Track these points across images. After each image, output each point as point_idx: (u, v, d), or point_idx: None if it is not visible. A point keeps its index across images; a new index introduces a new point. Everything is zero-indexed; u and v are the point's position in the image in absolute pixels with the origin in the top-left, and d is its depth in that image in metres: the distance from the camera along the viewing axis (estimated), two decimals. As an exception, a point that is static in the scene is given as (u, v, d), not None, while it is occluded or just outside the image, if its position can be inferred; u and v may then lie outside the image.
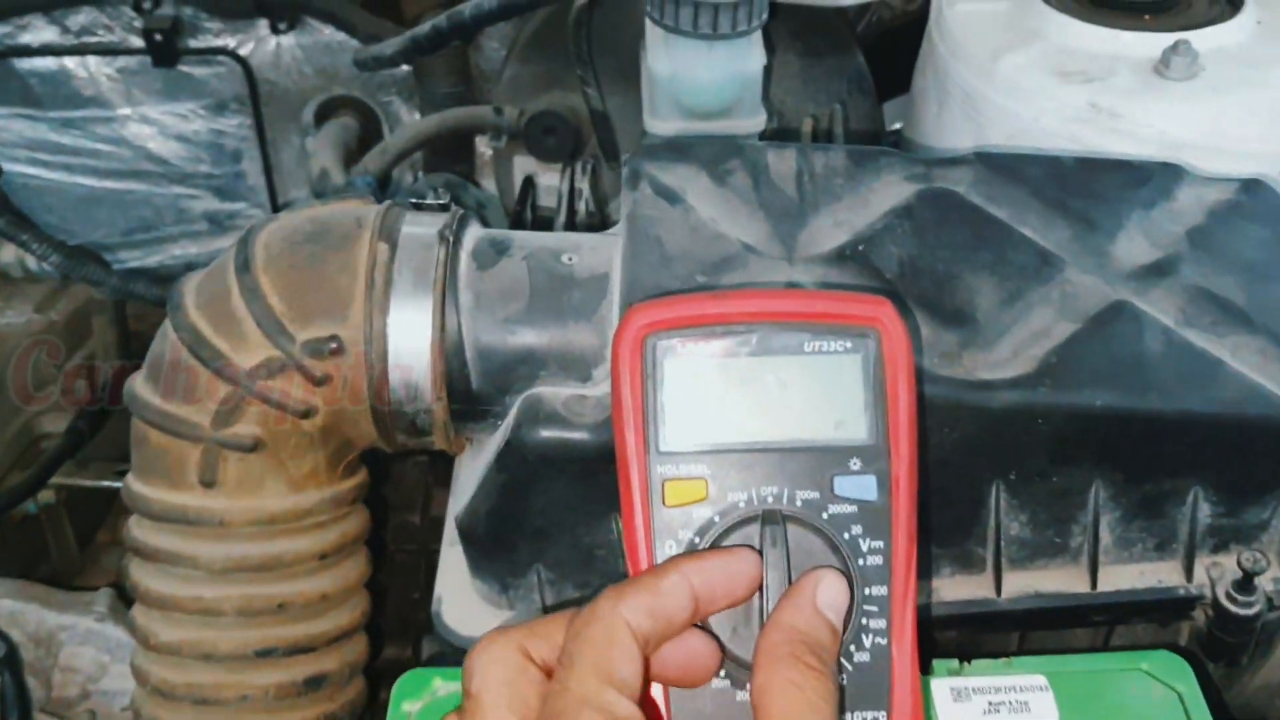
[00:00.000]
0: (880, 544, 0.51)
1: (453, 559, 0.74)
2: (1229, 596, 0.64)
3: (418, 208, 0.69)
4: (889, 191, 0.69)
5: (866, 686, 0.50)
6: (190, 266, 1.47)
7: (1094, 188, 0.70)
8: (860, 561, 0.51)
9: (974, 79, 0.94)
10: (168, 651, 0.66)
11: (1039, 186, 0.69)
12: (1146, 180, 0.71)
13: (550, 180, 1.20)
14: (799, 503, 0.51)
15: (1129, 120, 0.86)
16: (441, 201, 0.69)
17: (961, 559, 0.66)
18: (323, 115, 1.39)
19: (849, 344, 0.52)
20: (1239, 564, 0.63)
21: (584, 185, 1.08)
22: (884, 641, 0.51)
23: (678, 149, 0.70)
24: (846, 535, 0.51)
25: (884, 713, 0.50)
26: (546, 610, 0.69)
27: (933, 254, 0.65)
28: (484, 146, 1.41)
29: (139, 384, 0.67)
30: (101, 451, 0.97)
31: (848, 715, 0.50)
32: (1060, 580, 0.67)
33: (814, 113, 1.10)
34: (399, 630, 0.92)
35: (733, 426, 0.52)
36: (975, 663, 0.60)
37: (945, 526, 0.65)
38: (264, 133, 1.41)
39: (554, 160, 1.27)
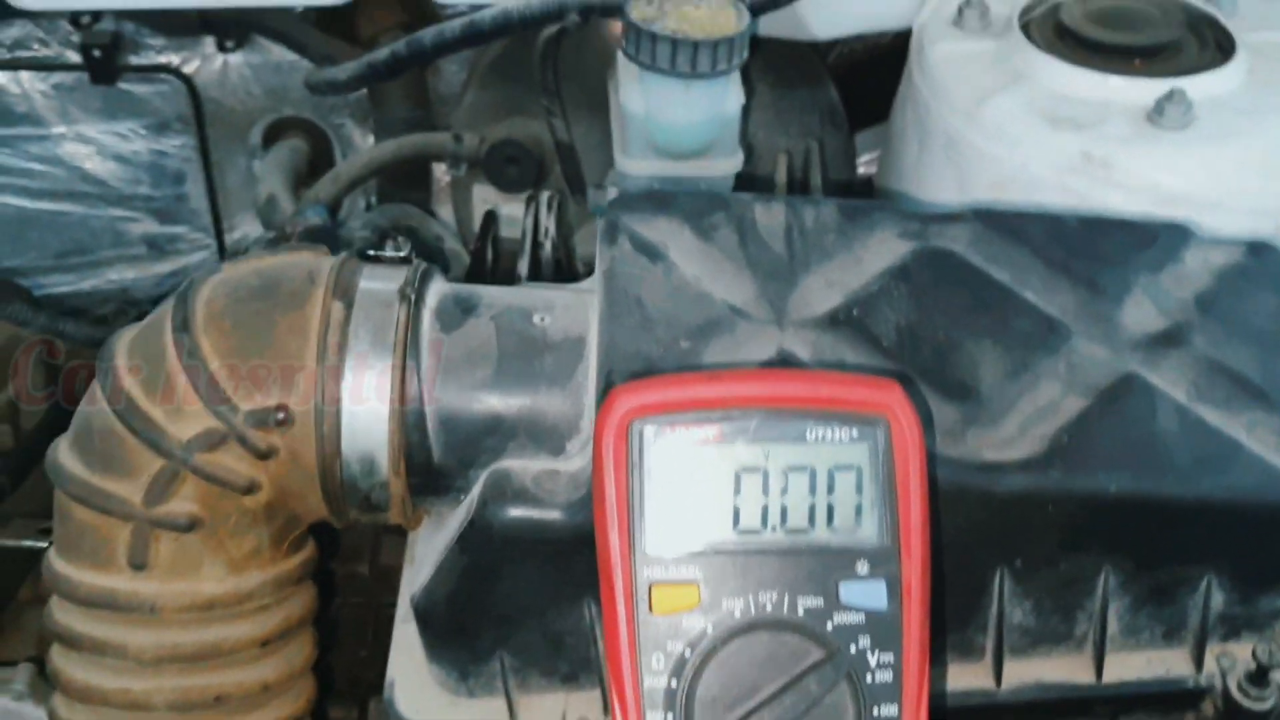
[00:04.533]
0: (890, 657, 0.46)
1: (407, 637, 0.68)
2: (1240, 689, 0.61)
3: (375, 260, 0.63)
4: (883, 249, 0.64)
5: (876, 819, 0.46)
6: (125, 292, 1.41)
7: (1098, 249, 0.66)
8: (868, 678, 0.46)
9: (957, 122, 0.90)
10: (92, 749, 0.60)
11: (1041, 247, 0.65)
12: (1152, 242, 0.67)
13: (512, 210, 1.15)
14: (801, 611, 0.47)
15: (1122, 171, 0.82)
16: (401, 254, 0.64)
17: (960, 647, 0.62)
18: (271, 137, 1.33)
19: (856, 432, 0.47)
20: (1254, 656, 0.59)
21: (549, 223, 1.03)
22: (894, 765, 0.46)
23: (658, 200, 0.65)
24: (853, 649, 0.46)
25: (895, 841, 0.45)
26: (509, 701, 0.63)
27: (931, 320, 0.61)
28: (442, 173, 1.36)
29: (63, 452, 0.60)
30: (22, 507, 0.90)
31: None
32: (1063, 670, 0.62)
33: (787, 147, 1.06)
34: (345, 689, 0.86)
35: (727, 525, 0.47)
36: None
37: (944, 614, 0.60)
38: (208, 154, 1.35)
39: (516, 191, 1.22)
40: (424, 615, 0.62)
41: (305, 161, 1.28)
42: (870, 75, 1.20)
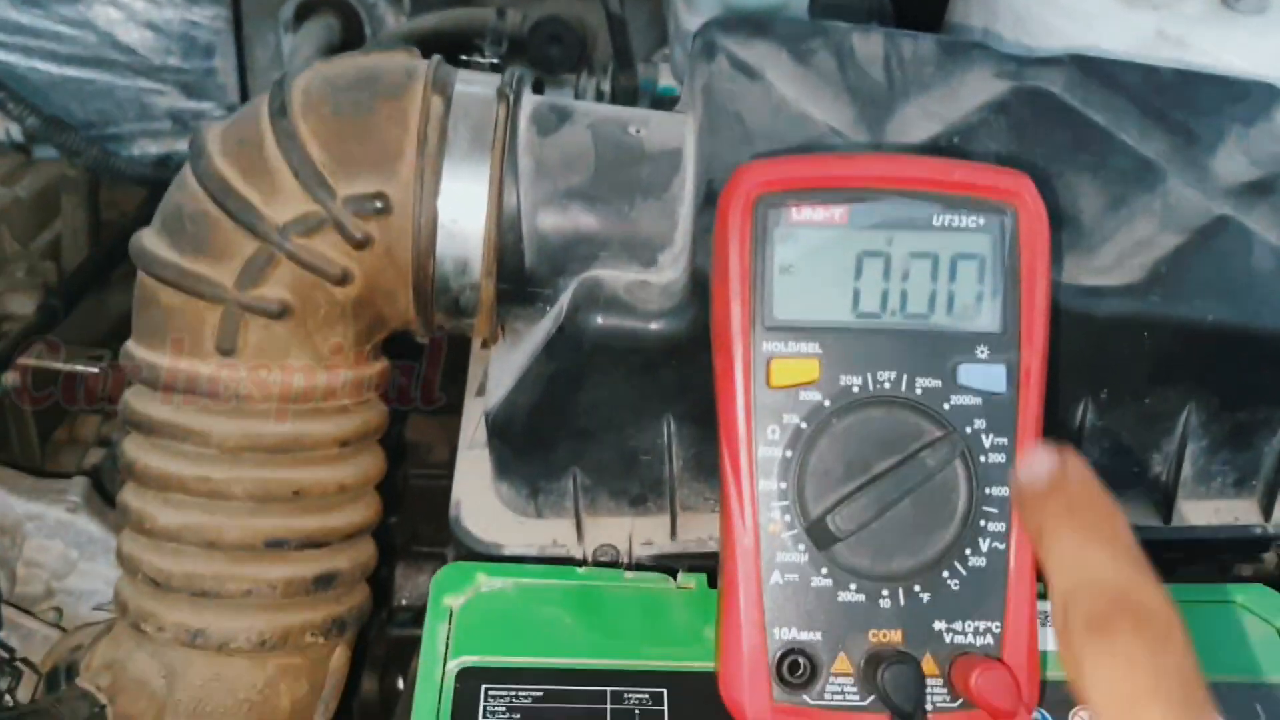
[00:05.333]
0: (1005, 440, 0.47)
1: (471, 462, 0.68)
2: (1310, 537, 0.61)
3: (467, 64, 0.62)
4: (980, 86, 0.64)
5: (981, 593, 0.46)
6: (148, 167, 1.39)
7: (1192, 100, 0.66)
8: (982, 459, 0.46)
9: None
10: (166, 537, 0.59)
11: (1137, 94, 0.65)
12: (1244, 96, 0.67)
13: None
14: (918, 390, 0.47)
15: (1197, 50, 0.82)
16: (493, 60, 0.63)
17: (1034, 483, 0.62)
18: (303, 14, 1.30)
19: (983, 220, 0.47)
20: (1329, 500, 0.60)
21: (606, 86, 1.01)
22: (1002, 547, 0.46)
23: (754, 24, 0.64)
24: (969, 429, 0.46)
25: (998, 621, 0.46)
26: (578, 520, 0.63)
27: (1031, 152, 0.60)
28: (480, 56, 1.34)
29: (148, 237, 0.59)
30: (69, 336, 0.89)
31: (958, 624, 0.46)
32: (1132, 513, 0.63)
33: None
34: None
35: (847, 307, 0.47)
36: (1060, 587, 0.56)
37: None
38: (241, 28, 1.32)
39: (557, 72, 1.20)
40: (501, 427, 0.62)
41: (337, 39, 1.26)
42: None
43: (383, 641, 0.81)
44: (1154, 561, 0.65)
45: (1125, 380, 0.58)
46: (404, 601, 0.84)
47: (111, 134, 1.38)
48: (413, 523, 0.87)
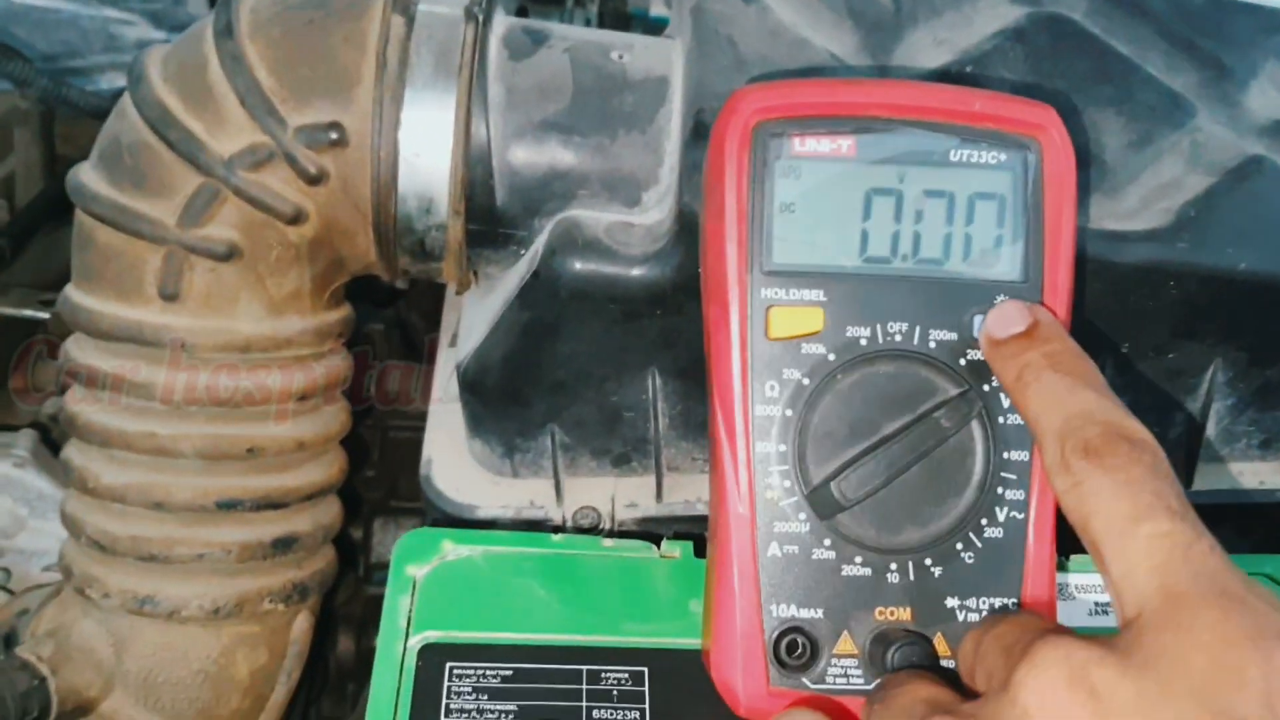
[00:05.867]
0: (1026, 400, 0.42)
1: (444, 416, 0.64)
2: (1340, 501, 0.57)
3: (436, -16, 0.57)
4: (994, 11, 0.59)
5: (997, 567, 0.42)
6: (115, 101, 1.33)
7: (1224, 30, 0.61)
8: (1000, 419, 0.42)
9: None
10: (110, 497, 0.55)
11: (1164, 22, 0.60)
12: (1278, 28, 0.62)
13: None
14: (932, 344, 0.42)
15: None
16: (465, -20, 0.57)
17: (1046, 443, 0.58)
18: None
19: (1004, 156, 0.42)
20: (1362, 464, 0.56)
21: (594, 11, 0.96)
22: (1021, 516, 0.42)
23: (751, -58, 0.59)
24: (986, 387, 0.42)
25: (1015, 600, 0.42)
26: (556, 481, 0.59)
27: (1050, 83, 0.56)
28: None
29: (85, 172, 0.54)
30: (21, 278, 0.84)
31: (972, 600, 0.42)
32: (1150, 474, 0.59)
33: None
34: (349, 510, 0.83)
35: (854, 250, 0.43)
36: (1075, 558, 0.52)
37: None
38: (212, -45, 1.25)
39: (543, 1, 1.14)
40: (473, 381, 0.57)
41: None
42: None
43: (359, 600, 0.78)
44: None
45: (1148, 333, 0.54)
46: (381, 559, 0.80)
47: (77, 66, 1.32)
48: (391, 477, 0.84)
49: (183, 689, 0.57)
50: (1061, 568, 0.52)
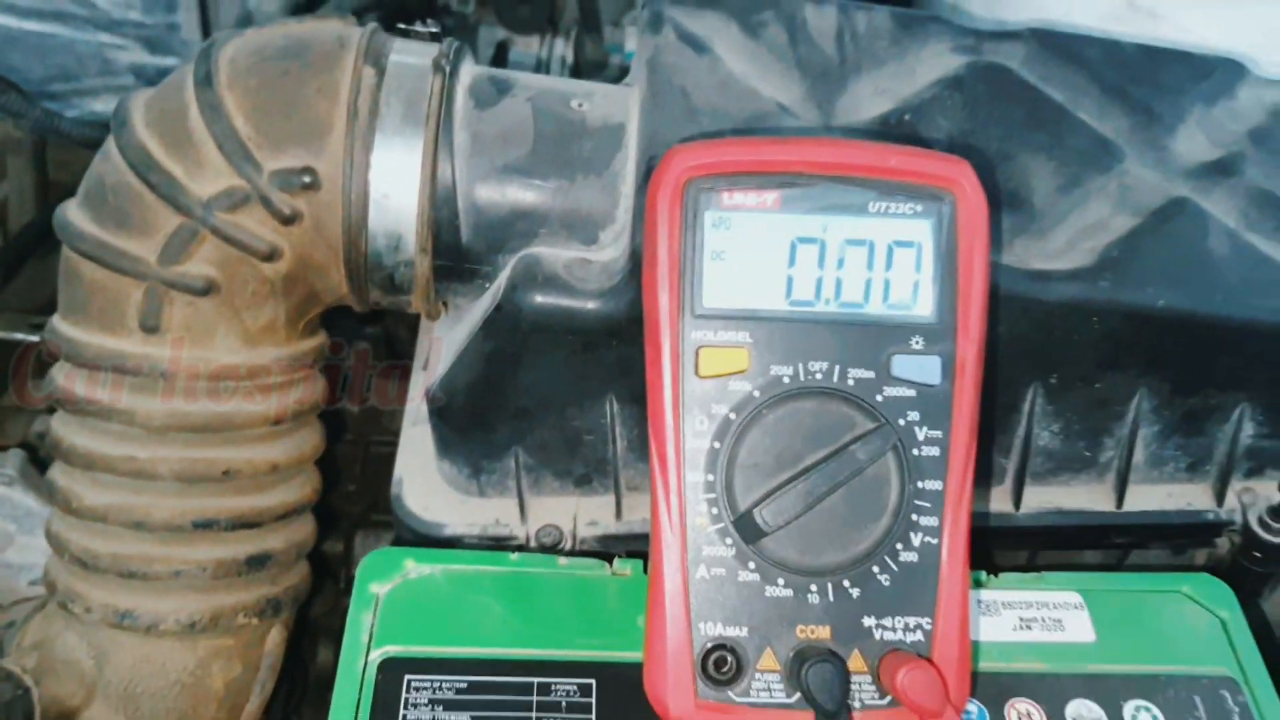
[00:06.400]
0: (939, 434, 0.45)
1: (415, 438, 0.67)
2: (1262, 523, 0.61)
3: (405, 34, 0.60)
4: (936, 61, 0.62)
5: (911, 589, 0.45)
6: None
7: (1154, 77, 0.64)
8: (915, 451, 0.45)
9: (1000, -33, 0.87)
10: (92, 517, 0.58)
11: (1097, 70, 0.63)
12: (1208, 74, 0.65)
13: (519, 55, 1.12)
14: (851, 381, 0.45)
15: (1170, 24, 0.80)
16: (432, 30, 0.61)
17: (982, 468, 0.61)
18: (268, -33, 1.26)
19: (920, 207, 0.46)
20: (1280, 489, 0.59)
21: (567, 52, 0.99)
22: (934, 541, 0.45)
23: (705, -6, 0.62)
24: (902, 421, 0.45)
25: (928, 617, 0.45)
26: (521, 501, 0.62)
27: (985, 131, 0.59)
28: (448, 16, 1.31)
29: (71, 210, 0.58)
30: (12, 303, 0.87)
31: (888, 620, 0.45)
32: (1083, 498, 0.62)
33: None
34: (328, 524, 0.85)
35: (780, 294, 0.46)
36: (1003, 575, 0.55)
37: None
38: (204, -19, 1.28)
39: (526, 32, 1.18)
40: (441, 405, 0.60)
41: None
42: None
43: (338, 613, 0.81)
44: (1107, 545, 0.65)
45: (1075, 365, 0.57)
46: (361, 572, 0.83)
47: (73, 89, 1.35)
48: (373, 491, 0.86)
49: (161, 699, 0.60)
50: (987, 584, 0.55)
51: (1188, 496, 0.62)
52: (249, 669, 0.62)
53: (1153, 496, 0.62)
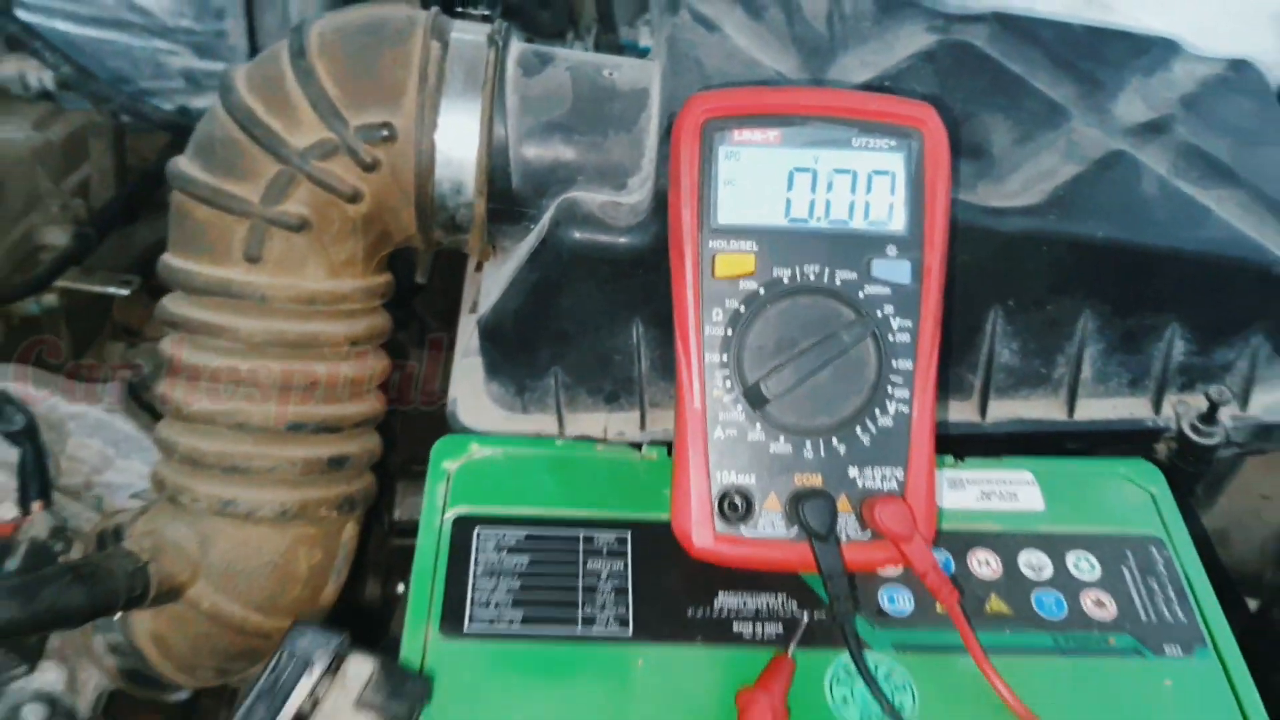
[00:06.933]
0: (909, 323, 0.56)
1: (466, 367, 0.77)
2: (1194, 429, 0.71)
3: (463, 15, 0.71)
4: (912, 39, 0.73)
5: (887, 446, 0.56)
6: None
7: (1099, 53, 0.75)
8: (890, 337, 0.56)
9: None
10: (201, 420, 0.68)
11: (1050, 47, 0.74)
12: (1146, 50, 0.76)
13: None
14: (838, 281, 0.56)
15: (1119, 11, 0.91)
16: (484, 12, 0.72)
17: (953, 384, 0.71)
18: (309, -23, 1.37)
19: (894, 142, 0.56)
20: (1206, 396, 0.69)
21: (589, 40, 1.10)
22: (906, 409, 0.56)
23: (713, -19, 0.74)
24: (879, 313, 0.56)
25: (901, 468, 0.55)
26: (559, 415, 0.73)
27: (952, 95, 0.70)
28: (473, 9, 1.41)
29: (183, 162, 0.68)
30: (102, 263, 0.98)
31: (868, 470, 0.55)
32: (1040, 409, 0.72)
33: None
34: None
35: (780, 213, 0.57)
36: (968, 460, 0.66)
37: (943, 351, 0.70)
38: (250, -10, 1.39)
39: (545, 35, 1.28)
40: (491, 330, 0.71)
41: (342, 5, 1.33)
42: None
43: (384, 551, 0.91)
44: (1061, 451, 0.75)
45: (1029, 289, 0.68)
46: (403, 517, 0.93)
47: (129, 91, 1.46)
48: (411, 446, 0.96)
49: (255, 578, 0.70)
50: (955, 466, 0.65)
51: (1130, 408, 0.73)
52: (329, 556, 0.72)
53: (1100, 408, 0.73)
